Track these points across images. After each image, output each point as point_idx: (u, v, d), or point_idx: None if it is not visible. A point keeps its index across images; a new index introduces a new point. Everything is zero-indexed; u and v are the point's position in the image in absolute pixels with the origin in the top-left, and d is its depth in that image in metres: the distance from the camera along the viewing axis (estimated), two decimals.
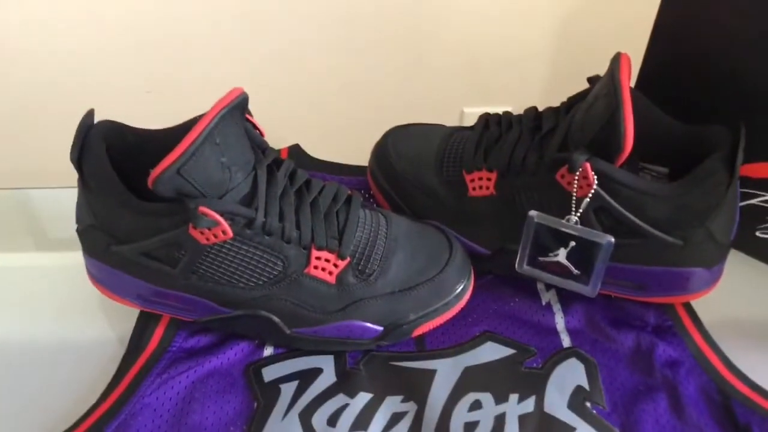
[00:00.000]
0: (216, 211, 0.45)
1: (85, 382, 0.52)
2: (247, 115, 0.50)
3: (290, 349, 0.53)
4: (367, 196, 0.65)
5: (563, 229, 0.51)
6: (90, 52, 0.82)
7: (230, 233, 0.46)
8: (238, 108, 0.46)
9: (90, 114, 0.49)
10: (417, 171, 0.59)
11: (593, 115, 0.49)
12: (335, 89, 0.87)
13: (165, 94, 0.84)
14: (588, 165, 0.48)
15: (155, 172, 0.43)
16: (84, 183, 0.49)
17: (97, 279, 0.54)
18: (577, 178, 0.49)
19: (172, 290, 0.50)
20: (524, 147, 0.53)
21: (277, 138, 0.70)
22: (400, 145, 0.61)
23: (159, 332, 0.54)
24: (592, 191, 0.48)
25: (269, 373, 0.51)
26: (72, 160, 0.47)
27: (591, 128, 0.49)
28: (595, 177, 0.48)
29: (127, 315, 0.56)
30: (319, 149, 0.71)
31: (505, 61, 0.87)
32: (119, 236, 0.49)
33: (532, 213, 0.51)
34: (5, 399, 0.51)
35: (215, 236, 0.46)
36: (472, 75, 0.88)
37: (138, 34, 0.81)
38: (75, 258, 0.55)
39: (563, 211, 0.51)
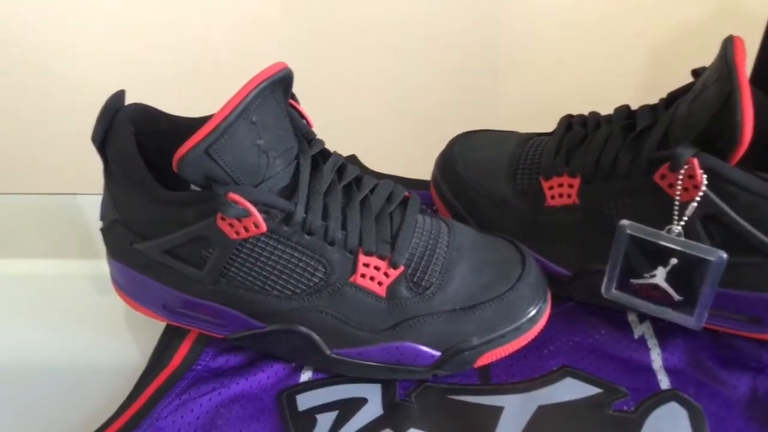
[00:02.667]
0: (248, 199, 0.40)
1: (102, 401, 0.46)
2: (293, 102, 0.45)
3: (331, 375, 0.46)
4: (429, 212, 0.59)
5: (662, 243, 0.43)
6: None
7: (263, 227, 0.40)
8: (279, 85, 0.41)
9: (119, 95, 0.45)
10: (486, 179, 0.52)
11: (701, 105, 0.42)
12: (398, 98, 0.82)
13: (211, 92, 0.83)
14: (695, 161, 0.40)
15: (181, 151, 0.39)
16: (107, 170, 0.45)
17: (121, 286, 0.49)
18: (680, 178, 0.41)
19: (199, 298, 0.45)
20: (615, 147, 0.46)
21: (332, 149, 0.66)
22: (468, 152, 0.55)
23: (184, 348, 0.48)
24: (700, 194, 0.41)
25: (305, 401, 0.44)
26: (94, 141, 0.43)
27: (698, 120, 0.42)
28: (705, 177, 0.40)
29: (154, 329, 0.51)
30: (377, 162, 0.65)
31: (592, 70, 0.81)
32: (142, 231, 0.44)
33: (624, 222, 0.44)
34: (17, 412, 0.47)
35: (246, 230, 0.41)
36: (554, 85, 0.82)
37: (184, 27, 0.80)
38: (103, 267, 0.50)
39: (662, 221, 0.43)
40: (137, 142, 0.44)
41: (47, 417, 0.46)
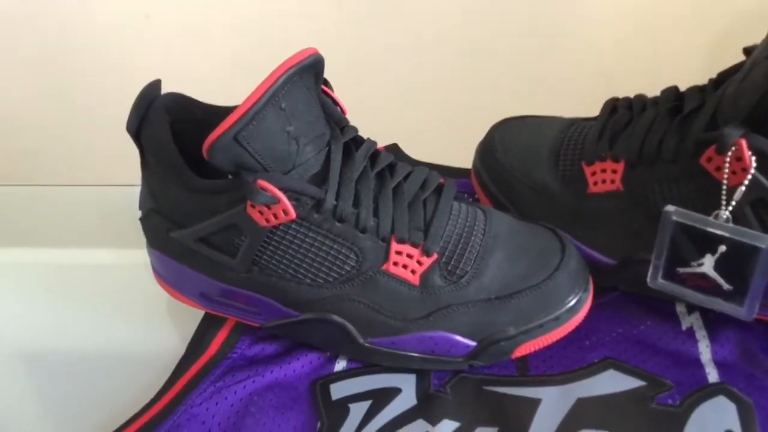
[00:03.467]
0: (278, 187, 0.40)
1: (142, 387, 0.47)
2: (325, 88, 0.45)
3: (366, 364, 0.46)
4: (471, 200, 0.58)
5: (710, 230, 0.41)
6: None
7: (292, 213, 0.40)
8: (309, 71, 0.41)
9: (155, 84, 0.45)
10: (527, 166, 0.51)
11: (750, 84, 0.40)
12: (441, 86, 0.81)
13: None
14: (744, 142, 0.38)
15: (210, 139, 0.39)
16: (143, 160, 0.45)
17: (160, 275, 0.50)
18: (728, 161, 0.39)
19: (234, 286, 0.45)
20: (660, 130, 0.44)
21: (377, 136, 0.66)
22: (508, 138, 0.54)
23: (221, 336, 0.49)
24: (749, 178, 0.39)
25: (338, 390, 0.44)
26: (129, 130, 0.44)
27: (747, 100, 0.40)
28: (753, 159, 0.38)
29: (195, 317, 0.51)
30: (419, 151, 0.65)
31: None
32: (177, 219, 0.45)
33: (670, 208, 0.42)
34: (58, 400, 0.48)
35: (275, 217, 0.41)
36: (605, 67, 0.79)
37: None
38: (145, 256, 0.51)
39: (710, 207, 0.41)
40: (172, 131, 0.45)
41: (90, 403, 0.48)
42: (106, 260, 0.60)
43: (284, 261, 0.43)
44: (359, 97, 0.75)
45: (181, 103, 0.46)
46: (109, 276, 0.58)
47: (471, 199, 0.57)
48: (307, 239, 0.42)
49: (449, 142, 0.64)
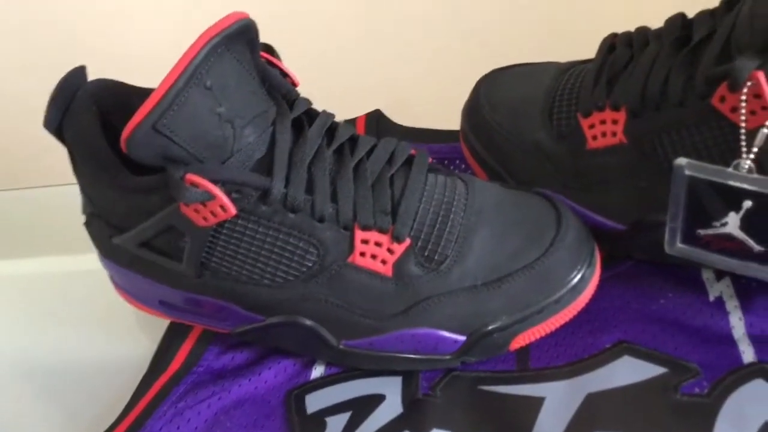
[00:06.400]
0: (212, 179, 0.35)
1: (106, 407, 0.44)
2: (269, 57, 0.40)
3: (346, 369, 0.42)
4: (463, 167, 0.52)
5: (731, 183, 0.35)
6: None
7: (232, 209, 0.35)
8: (238, 39, 0.35)
9: (77, 72, 0.41)
10: (517, 123, 0.45)
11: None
12: (431, 33, 0.74)
13: None
14: (761, 75, 0.32)
15: (125, 132, 0.34)
16: (72, 159, 0.41)
17: (117, 283, 0.46)
18: (744, 99, 0.33)
19: (192, 292, 0.41)
20: (665, 67, 0.38)
21: (355, 104, 0.61)
22: (496, 93, 0.48)
23: (187, 347, 0.44)
24: None
25: (314, 402, 0.40)
26: (47, 127, 0.39)
27: (764, 23, 0.33)
28: None
29: (162, 328, 0.48)
30: (407, 115, 0.59)
31: None
32: (117, 223, 0.40)
33: (681, 161, 0.36)
34: (18, 414, 0.45)
35: (213, 214, 0.36)
36: None
37: None
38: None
39: (729, 156, 0.35)
40: (105, 123, 0.40)
41: (51, 420, 0.45)
42: (68, 267, 0.57)
43: (236, 262, 0.38)
44: (335, 55, 0.69)
45: (113, 90, 0.42)
46: (71, 283, 0.55)
47: (464, 166, 0.52)
48: (258, 235, 0.37)
49: (443, 101, 0.58)
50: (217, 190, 0.35)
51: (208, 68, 0.34)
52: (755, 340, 0.37)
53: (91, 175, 0.40)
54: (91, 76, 0.42)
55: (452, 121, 0.53)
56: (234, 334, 0.43)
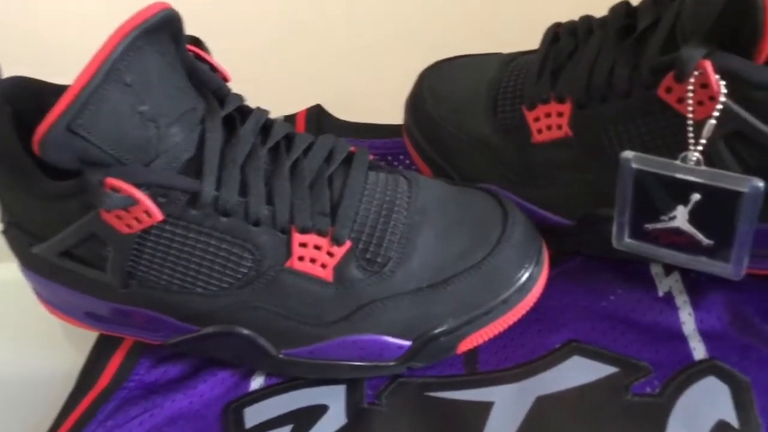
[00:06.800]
0: (135, 183, 0.33)
1: (28, 428, 0.41)
2: (197, 50, 0.37)
3: (287, 379, 0.40)
4: (408, 162, 0.51)
5: (679, 176, 0.34)
6: None
7: (158, 215, 0.33)
8: (160, 32, 0.33)
9: None
10: (461, 117, 0.44)
11: None
12: (374, 28, 0.72)
13: None
14: (708, 64, 0.31)
15: (38, 133, 0.32)
16: None
17: (40, 294, 0.43)
18: (691, 89, 0.32)
19: (119, 303, 0.39)
20: (610, 57, 0.37)
21: (294, 98, 0.58)
22: (439, 86, 0.46)
23: (116, 361, 0.42)
24: (719, 107, 0.32)
25: (253, 415, 0.38)
26: None
27: (710, 9, 0.32)
28: (722, 83, 0.31)
29: (91, 340, 0.45)
30: (351, 110, 0.57)
31: None
32: (35, 231, 0.37)
33: (628, 154, 0.35)
34: None
35: (138, 221, 0.33)
36: None
37: None
38: None
39: (676, 148, 0.34)
40: (21, 124, 0.38)
41: None
42: None
43: (166, 270, 0.36)
44: (271, 48, 0.66)
45: (28, 89, 0.39)
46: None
47: (408, 162, 0.50)
48: (188, 242, 0.35)
49: (387, 94, 0.56)
50: (140, 195, 0.32)
51: (128, 63, 0.32)
52: (706, 335, 0.37)
53: (6, 180, 0.37)
54: (5, 73, 0.39)
55: (396, 115, 0.51)
56: (167, 346, 0.41)
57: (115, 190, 0.32)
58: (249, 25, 0.68)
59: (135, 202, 0.33)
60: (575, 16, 0.43)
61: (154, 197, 0.33)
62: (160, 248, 0.35)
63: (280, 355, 0.38)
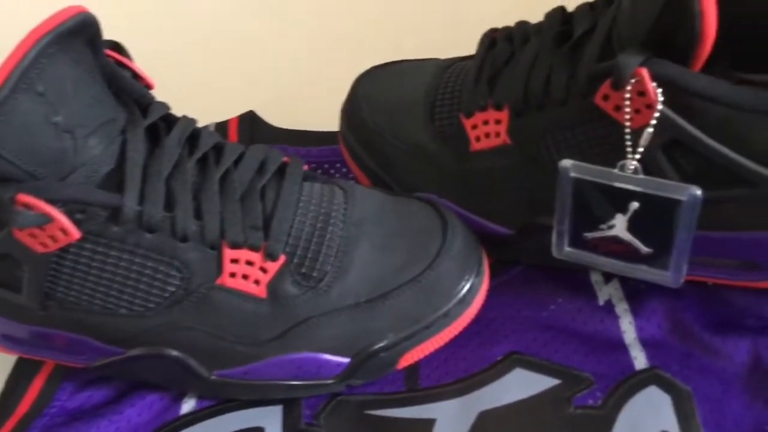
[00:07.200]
0: (49, 199, 0.31)
1: None
2: (117, 56, 0.35)
3: (220, 401, 0.38)
4: (345, 171, 0.50)
5: (617, 185, 0.34)
6: None
7: (74, 233, 0.31)
8: (75, 38, 0.31)
9: None
10: (398, 125, 0.43)
11: None
12: (310, 32, 0.70)
13: None
14: (644, 72, 0.31)
15: None
16: None
17: None
18: (628, 96, 0.32)
19: (37, 325, 0.36)
20: (546, 64, 0.37)
21: (225, 105, 0.57)
22: (374, 93, 0.45)
23: (36, 386, 0.39)
24: (656, 115, 0.31)
25: None
26: None
27: (646, 15, 0.32)
28: (659, 91, 0.31)
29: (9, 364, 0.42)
30: (285, 116, 0.56)
31: None
32: None
33: (566, 163, 0.35)
34: None
35: (54, 239, 0.31)
36: None
37: None
38: None
39: (614, 156, 0.34)
40: None
41: None
42: None
43: (86, 291, 0.34)
44: (199, 52, 0.64)
45: None
46: None
47: (345, 170, 0.49)
48: (109, 260, 0.33)
49: (323, 100, 0.55)
50: (55, 212, 0.30)
51: (40, 71, 0.30)
52: (646, 344, 0.37)
53: None
54: None
55: (334, 122, 0.50)
56: (91, 369, 0.38)
57: (28, 207, 0.30)
58: (175, 27, 0.66)
59: (49, 219, 0.30)
60: (512, 21, 0.43)
61: (70, 214, 0.31)
62: (79, 268, 0.33)
63: (213, 377, 0.36)
